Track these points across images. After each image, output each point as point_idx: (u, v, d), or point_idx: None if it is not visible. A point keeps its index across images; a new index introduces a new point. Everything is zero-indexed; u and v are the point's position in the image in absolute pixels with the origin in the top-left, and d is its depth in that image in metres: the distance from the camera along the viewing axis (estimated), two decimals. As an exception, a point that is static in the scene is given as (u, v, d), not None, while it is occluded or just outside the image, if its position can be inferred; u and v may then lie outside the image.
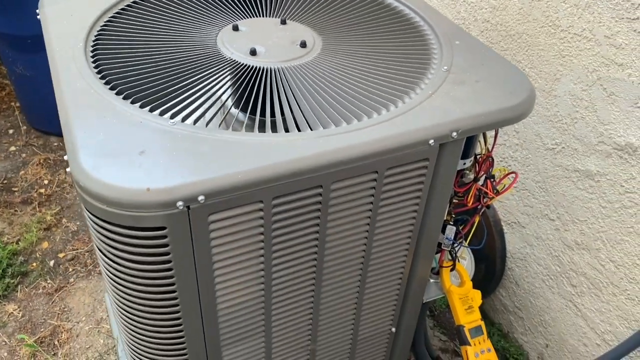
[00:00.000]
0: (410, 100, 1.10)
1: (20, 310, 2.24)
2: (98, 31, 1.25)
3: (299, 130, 1.02)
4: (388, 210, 1.12)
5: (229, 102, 1.17)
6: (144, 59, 1.16)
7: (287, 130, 1.01)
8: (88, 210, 0.92)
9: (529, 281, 2.03)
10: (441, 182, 1.13)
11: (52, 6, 1.32)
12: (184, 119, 1.01)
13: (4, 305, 2.25)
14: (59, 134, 2.99)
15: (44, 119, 3.04)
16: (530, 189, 1.91)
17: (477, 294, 1.41)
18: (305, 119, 1.05)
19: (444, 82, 1.14)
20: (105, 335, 2.18)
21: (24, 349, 2.06)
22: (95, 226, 0.93)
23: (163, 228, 0.89)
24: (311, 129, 1.02)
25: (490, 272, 2.14)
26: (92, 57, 1.16)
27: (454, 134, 1.04)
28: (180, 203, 0.86)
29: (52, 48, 1.17)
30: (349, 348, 1.38)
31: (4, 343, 2.10)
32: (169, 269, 0.95)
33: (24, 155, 2.98)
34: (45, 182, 2.82)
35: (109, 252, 0.96)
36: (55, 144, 3.06)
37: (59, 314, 2.25)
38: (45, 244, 2.52)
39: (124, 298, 1.03)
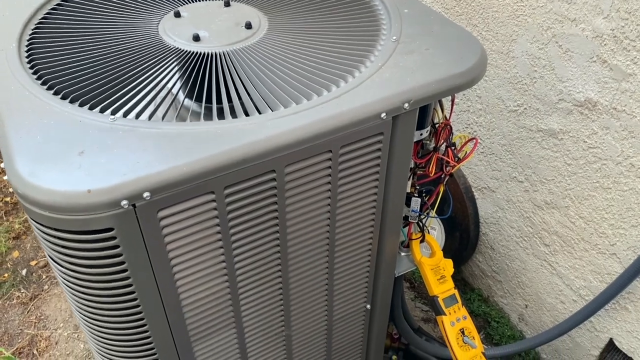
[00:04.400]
0: (359, 74, 1.07)
1: (-5, 323, 2.19)
2: (33, 29, 1.19)
3: (247, 115, 0.98)
4: (347, 188, 1.10)
5: (180, 92, 1.13)
6: (82, 54, 1.11)
7: (234, 117, 0.98)
8: (32, 218, 0.88)
9: (503, 244, 2.04)
10: (399, 155, 1.11)
11: (-18, 7, 1.25)
12: (125, 114, 0.97)
13: (-22, 319, 2.20)
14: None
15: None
16: (497, 153, 1.91)
17: (449, 263, 1.40)
18: (254, 103, 1.01)
19: (394, 52, 1.12)
20: (85, 340, 2.14)
21: (1, 361, 2.02)
22: (42, 233, 0.89)
23: (110, 229, 0.86)
24: (260, 113, 0.98)
25: (465, 239, 2.15)
26: (27, 56, 1.11)
27: (406, 105, 1.02)
28: (124, 202, 0.83)
29: (-18, 51, 1.12)
30: (325, 329, 1.37)
31: (-19, 357, 2.06)
32: (124, 270, 0.92)
33: (-15, 164, 2.90)
34: (10, 190, 2.75)
35: (59, 259, 0.92)
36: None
37: (35, 322, 2.21)
38: (15, 253, 2.47)
39: (82, 304, 1.00)
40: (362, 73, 1.07)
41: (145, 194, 0.84)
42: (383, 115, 1.01)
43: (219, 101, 1.04)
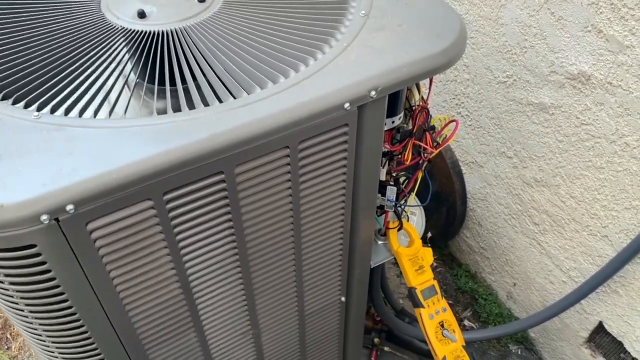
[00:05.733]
0: (322, 56, 0.94)
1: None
2: (-42, 6, 1.06)
3: (191, 107, 0.87)
4: (311, 184, 0.99)
5: (130, 75, 1.01)
6: (10, 36, 0.99)
7: (177, 110, 0.87)
8: (-55, 233, 0.78)
9: (491, 221, 1.95)
10: (367, 147, 1.00)
11: None
12: (53, 110, 0.85)
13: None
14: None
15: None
16: (485, 127, 1.79)
17: (428, 252, 1.31)
18: (200, 93, 0.90)
19: (362, 29, 0.99)
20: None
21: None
22: (-41, 249, 0.79)
23: (33, 245, 0.76)
24: (206, 105, 0.87)
25: (452, 215, 2.06)
26: (-51, 40, 0.98)
27: (373, 93, 0.90)
28: (44, 217, 0.73)
29: None
30: (297, 324, 1.30)
31: (-48, 343, 2.00)
32: (56, 286, 0.83)
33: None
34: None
35: (-16, 276, 0.83)
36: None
37: (9, 305, 2.14)
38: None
39: (22, 322, 0.91)
40: (325, 55, 0.95)
41: (69, 207, 0.74)
42: (347, 105, 0.89)
43: (173, 83, 0.92)
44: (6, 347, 2.01)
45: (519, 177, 1.73)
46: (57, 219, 0.74)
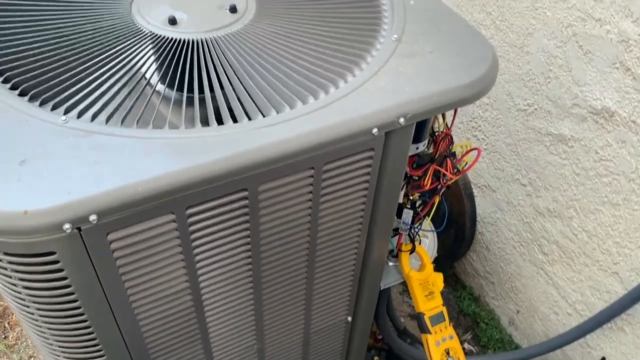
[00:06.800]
0: (352, 79, 0.94)
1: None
2: (-11, 0, 1.05)
3: (219, 122, 0.86)
4: (331, 205, 0.98)
5: (157, 82, 1.01)
6: (41, 34, 0.98)
7: (205, 119, 0.86)
8: (-36, 232, 0.77)
9: (499, 246, 1.94)
10: (390, 171, 1.00)
11: None
12: (80, 114, 0.85)
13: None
14: None
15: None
16: (501, 152, 1.79)
17: (439, 278, 1.30)
18: (229, 108, 0.89)
19: (393, 54, 0.98)
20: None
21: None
22: (-23, 249, 0.79)
23: (52, 253, 0.75)
24: (235, 121, 0.86)
25: (460, 236, 2.05)
26: (-21, 34, 0.98)
27: (401, 119, 0.90)
28: (67, 226, 0.72)
29: None
30: (302, 342, 1.29)
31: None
32: (71, 293, 0.82)
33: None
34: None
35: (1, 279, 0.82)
36: None
37: (9, 293, 2.13)
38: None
39: (30, 323, 0.90)
40: (356, 78, 0.94)
41: (92, 217, 0.73)
42: (374, 131, 0.88)
43: (195, 90, 0.92)
44: (3, 336, 2.00)
45: (532, 205, 1.72)
46: (79, 228, 0.74)
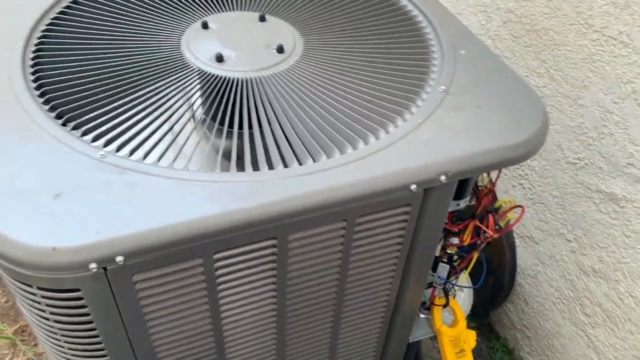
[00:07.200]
0: (394, 130, 0.91)
1: (4, 296, 2.16)
2: (46, 25, 1.08)
3: (254, 164, 0.85)
4: (362, 257, 0.95)
5: (197, 116, 1.01)
6: (92, 63, 0.99)
7: (241, 156, 0.85)
8: (-5, 260, 0.78)
9: (539, 301, 1.85)
10: (428, 227, 0.96)
11: (0, -8, 1.15)
12: (119, 148, 0.85)
13: (-12, 289, 2.18)
14: None
15: None
16: (546, 203, 1.71)
17: (472, 336, 1.25)
18: (267, 153, 0.87)
19: (439, 106, 0.95)
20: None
21: (1, 340, 1.99)
22: (7, 278, 0.79)
23: (77, 290, 0.75)
24: (271, 167, 0.85)
25: (498, 286, 1.97)
26: (33, 59, 1.00)
27: (442, 177, 0.86)
28: (93, 265, 0.71)
29: (-12, 45, 1.01)
30: (323, 388, 1.25)
31: (-16, 330, 2.04)
32: (92, 329, 0.82)
33: None
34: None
35: (24, 304, 0.82)
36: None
37: (43, 301, 2.17)
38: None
39: (52, 350, 0.90)
40: (398, 129, 0.91)
41: (119, 259, 0.72)
42: (413, 187, 0.85)
43: (240, 126, 0.92)
44: (33, 343, 2.03)
45: (576, 262, 1.64)
46: (104, 268, 0.73)
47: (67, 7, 1.12)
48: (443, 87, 0.99)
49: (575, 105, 1.50)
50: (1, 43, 1.01)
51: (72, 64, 0.99)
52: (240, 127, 0.95)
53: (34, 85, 0.94)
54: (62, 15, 1.10)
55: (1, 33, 1.03)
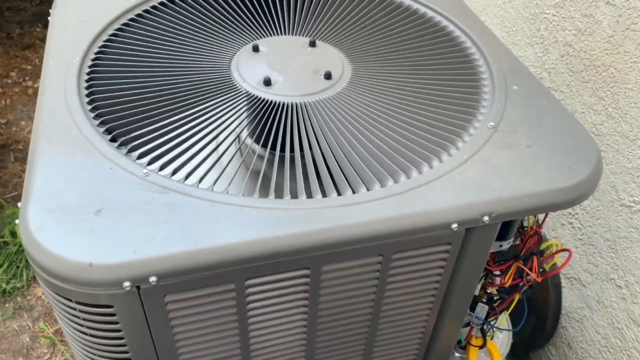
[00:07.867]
0: (438, 165, 0.89)
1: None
2: (104, 41, 1.11)
3: (293, 191, 0.84)
4: (397, 293, 0.93)
5: (247, 137, 1.03)
6: (144, 81, 1.02)
7: (279, 195, 0.84)
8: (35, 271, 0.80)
9: (583, 347, 1.76)
10: (468, 267, 0.93)
11: (63, 7, 1.20)
12: (162, 167, 0.86)
13: (35, 287, 2.25)
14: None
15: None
16: (597, 246, 1.64)
17: (508, 380, 1.19)
18: (307, 181, 0.87)
19: (487, 143, 0.93)
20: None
21: (42, 339, 2.05)
22: (45, 288, 0.81)
23: (110, 306, 0.76)
24: (309, 196, 0.84)
25: (540, 327, 1.89)
26: (88, 74, 1.03)
27: (486, 218, 0.83)
28: (127, 284, 0.72)
29: (47, 59, 1.06)
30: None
31: (27, 327, 2.10)
32: (123, 345, 0.82)
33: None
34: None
35: (58, 313, 0.84)
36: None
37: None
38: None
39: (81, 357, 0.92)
40: (442, 164, 0.89)
41: (152, 279, 0.73)
42: (454, 226, 0.83)
43: (283, 148, 0.93)
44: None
45: (626, 310, 1.56)
46: (138, 287, 0.74)
47: (125, 24, 1.15)
48: (492, 124, 0.96)
49: (634, 146, 1.43)
50: (62, 56, 1.05)
51: (124, 80, 1.02)
52: (282, 150, 0.95)
53: (87, 99, 0.97)
54: (118, 32, 1.13)
55: (63, 47, 1.07)
